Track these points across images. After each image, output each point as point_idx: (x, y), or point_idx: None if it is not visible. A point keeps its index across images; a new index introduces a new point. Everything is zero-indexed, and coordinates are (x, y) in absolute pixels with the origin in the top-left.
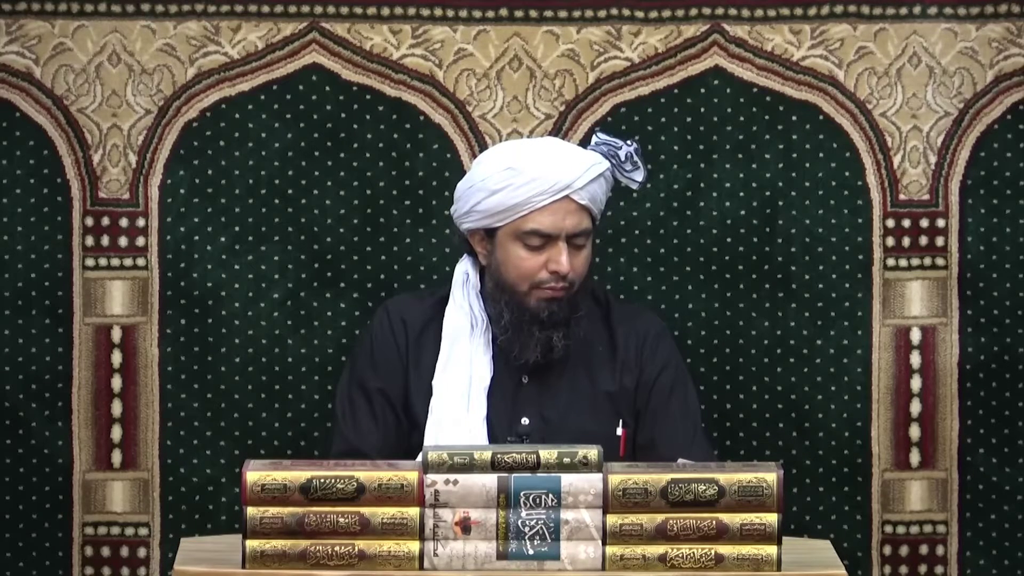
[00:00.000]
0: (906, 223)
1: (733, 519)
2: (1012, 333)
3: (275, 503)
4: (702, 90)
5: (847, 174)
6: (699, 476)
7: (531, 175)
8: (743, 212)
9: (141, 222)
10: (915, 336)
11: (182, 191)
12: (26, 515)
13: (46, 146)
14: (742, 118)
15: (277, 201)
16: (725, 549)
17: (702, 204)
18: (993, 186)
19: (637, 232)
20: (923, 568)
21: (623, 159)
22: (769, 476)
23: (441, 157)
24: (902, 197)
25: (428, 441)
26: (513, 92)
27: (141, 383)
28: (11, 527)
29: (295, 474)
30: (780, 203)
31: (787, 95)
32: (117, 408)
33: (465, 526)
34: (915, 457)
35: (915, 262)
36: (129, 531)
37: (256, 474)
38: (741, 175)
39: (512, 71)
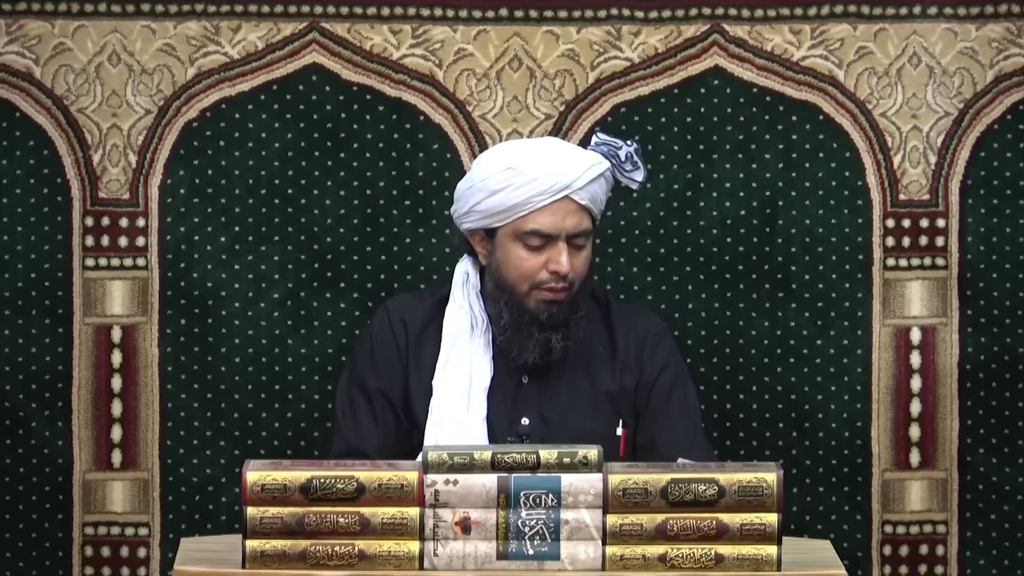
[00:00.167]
0: (906, 223)
1: (733, 519)
2: (1012, 333)
3: (275, 503)
4: (702, 90)
5: (847, 174)
6: (699, 476)
7: (531, 175)
8: (743, 212)
9: (141, 222)
10: (915, 336)
11: (182, 191)
12: (26, 515)
13: (46, 146)
14: (742, 118)
15: (277, 201)
16: (725, 549)
17: (702, 204)
18: (993, 186)
19: (637, 232)
20: (923, 568)
21: (623, 159)
22: (769, 476)
23: (441, 157)
24: (902, 197)
25: (428, 441)
26: (513, 92)
27: (141, 383)
28: (11, 527)
29: (295, 474)
30: (780, 203)
31: (787, 95)
32: (117, 408)
33: (465, 526)
34: (915, 457)
35: (915, 262)
36: (129, 531)
37: (256, 474)
38: (741, 175)
39: (512, 71)
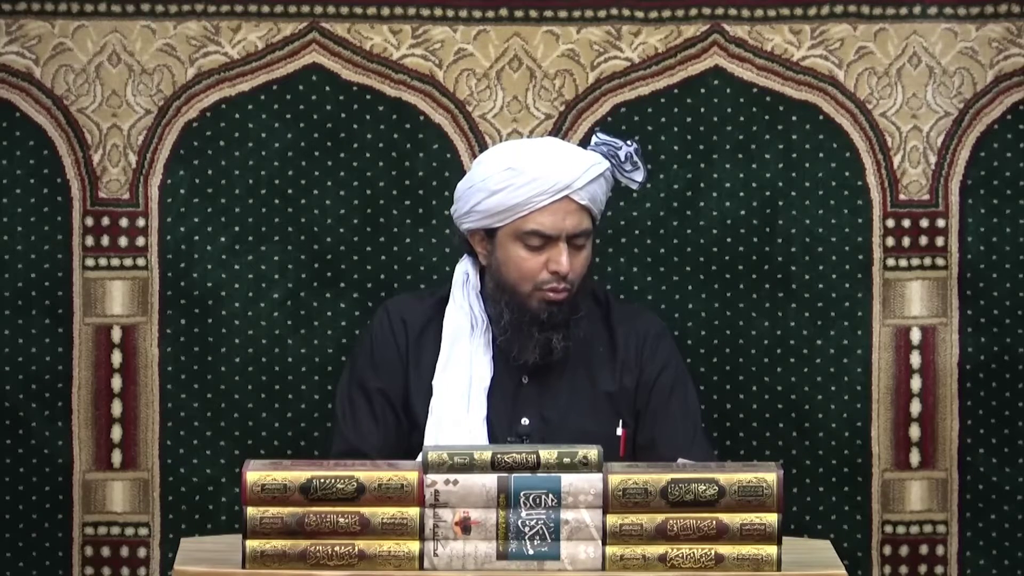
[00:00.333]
0: (906, 223)
1: (733, 519)
2: (1012, 333)
3: (275, 503)
4: (702, 90)
5: (847, 174)
6: (699, 476)
7: (531, 175)
8: (743, 212)
9: (141, 222)
10: (915, 336)
11: (182, 191)
12: (26, 515)
13: (46, 146)
14: (742, 118)
15: (277, 201)
16: (725, 549)
17: (702, 204)
18: (993, 186)
19: (637, 232)
20: (923, 568)
21: (623, 159)
22: (769, 476)
23: (441, 157)
24: (902, 197)
25: (428, 441)
26: (513, 92)
27: (141, 383)
28: (11, 527)
29: (295, 474)
30: (780, 203)
31: (787, 95)
32: (117, 408)
33: (465, 526)
34: (915, 457)
35: (915, 262)
36: (129, 531)
37: (256, 474)
38: (741, 175)
39: (512, 71)
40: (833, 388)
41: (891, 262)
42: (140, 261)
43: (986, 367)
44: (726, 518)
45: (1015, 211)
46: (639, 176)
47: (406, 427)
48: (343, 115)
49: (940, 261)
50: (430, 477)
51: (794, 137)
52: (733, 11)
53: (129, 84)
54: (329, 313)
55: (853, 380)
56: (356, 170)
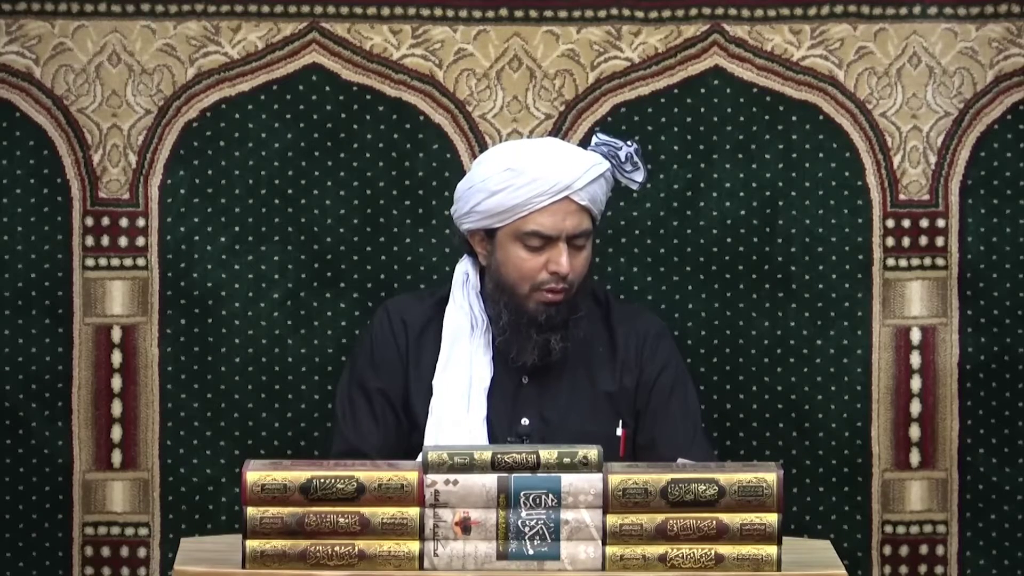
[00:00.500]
0: (906, 223)
1: (733, 519)
2: (1012, 333)
3: (275, 503)
4: (702, 90)
5: (847, 174)
6: (699, 476)
7: (531, 176)
8: (743, 212)
9: (141, 222)
10: (915, 336)
11: (182, 191)
12: (26, 515)
13: (46, 146)
14: (742, 118)
15: (277, 201)
16: (725, 549)
17: (702, 204)
18: (993, 186)
19: (637, 232)
20: (923, 568)
21: (623, 160)
22: (769, 476)
23: (441, 157)
24: (902, 197)
25: (428, 441)
26: (513, 92)
27: (141, 383)
28: (11, 527)
29: (295, 474)
30: (780, 203)
31: (787, 95)
32: (117, 408)
33: (465, 526)
34: (915, 457)
35: (915, 262)
36: (129, 531)
37: (256, 474)
38: (741, 175)
39: (512, 71)
40: (833, 388)
41: (891, 262)
42: (140, 261)
43: (986, 367)
44: (726, 518)
45: (1015, 211)
46: (639, 176)
47: (406, 427)
48: (343, 115)
49: (940, 261)
50: (430, 477)
51: (794, 137)
52: (733, 11)
53: (129, 84)
54: (329, 313)
55: (853, 380)
56: (356, 170)
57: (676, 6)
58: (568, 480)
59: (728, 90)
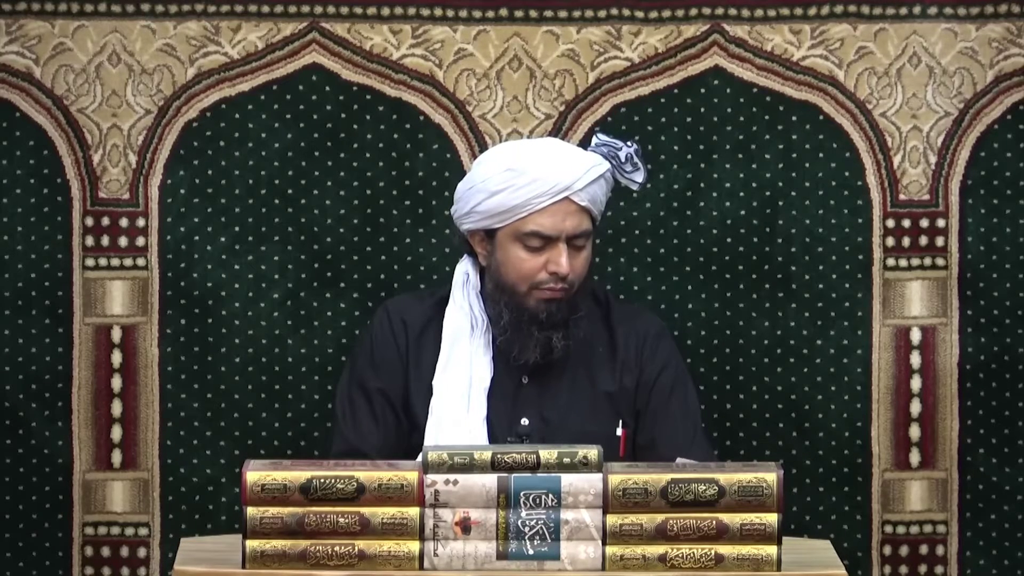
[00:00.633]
0: (906, 223)
1: (733, 519)
2: (1012, 333)
3: (275, 503)
4: (702, 90)
5: (847, 174)
6: (699, 476)
7: (531, 176)
8: (743, 212)
9: (141, 222)
10: (915, 336)
11: (182, 191)
12: (26, 515)
13: (46, 146)
14: (742, 118)
15: (277, 201)
16: (725, 549)
17: (702, 204)
18: (993, 186)
19: (637, 232)
20: (923, 568)
21: (623, 160)
22: (769, 476)
23: (441, 157)
24: (902, 197)
25: (428, 441)
26: (513, 92)
27: (141, 383)
28: (11, 527)
29: (295, 474)
30: (780, 203)
31: (787, 95)
32: (117, 408)
33: (465, 526)
34: (915, 457)
35: (915, 262)
36: (129, 531)
37: (256, 474)
38: (741, 175)
39: (512, 71)
40: (833, 388)
41: (891, 262)
42: (140, 261)
43: (986, 367)
44: (726, 518)
45: (1015, 211)
46: (639, 177)
47: (406, 427)
48: (343, 115)
49: (940, 261)
50: (430, 477)
51: (794, 137)
52: (733, 11)
53: (129, 84)
54: (329, 313)
55: (853, 380)
56: (356, 170)
57: (676, 6)
58: (568, 480)
59: (728, 90)
